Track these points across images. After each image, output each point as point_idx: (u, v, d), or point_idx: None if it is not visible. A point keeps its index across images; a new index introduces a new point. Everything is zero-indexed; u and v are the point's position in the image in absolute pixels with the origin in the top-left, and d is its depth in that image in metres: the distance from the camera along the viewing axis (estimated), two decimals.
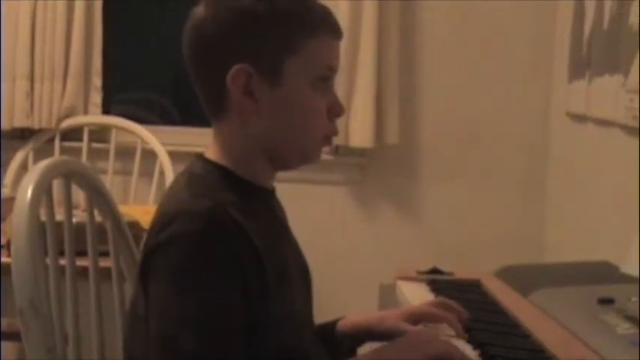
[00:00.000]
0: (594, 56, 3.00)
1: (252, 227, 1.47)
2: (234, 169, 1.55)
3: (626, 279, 1.88)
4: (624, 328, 1.72)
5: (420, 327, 1.76)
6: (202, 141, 1.69)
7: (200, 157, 1.58)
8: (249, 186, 1.56)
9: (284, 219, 1.66)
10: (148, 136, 3.53)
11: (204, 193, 1.49)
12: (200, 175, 1.54)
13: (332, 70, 1.57)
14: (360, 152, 3.66)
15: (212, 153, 1.58)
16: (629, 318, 1.76)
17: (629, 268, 1.82)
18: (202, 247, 1.43)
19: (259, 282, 1.46)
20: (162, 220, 1.46)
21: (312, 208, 3.66)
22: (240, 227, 1.45)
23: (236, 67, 1.50)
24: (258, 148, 1.55)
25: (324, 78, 1.56)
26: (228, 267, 1.43)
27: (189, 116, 3.90)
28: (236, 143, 1.56)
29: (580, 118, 3.20)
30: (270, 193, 1.63)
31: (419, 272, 2.31)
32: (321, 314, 1.80)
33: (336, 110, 1.58)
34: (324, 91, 1.56)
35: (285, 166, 1.60)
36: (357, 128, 3.55)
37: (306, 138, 1.56)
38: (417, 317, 1.77)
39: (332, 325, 1.79)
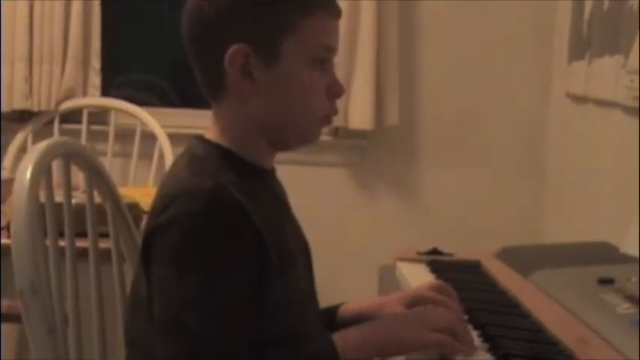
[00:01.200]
0: (594, 37, 3.00)
1: (253, 207, 1.47)
2: (234, 149, 1.55)
3: (626, 259, 1.88)
4: (624, 307, 1.72)
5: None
6: (202, 123, 1.69)
7: (200, 138, 1.58)
8: (249, 166, 1.56)
9: (284, 198, 1.66)
10: (147, 118, 3.53)
11: (205, 173, 1.48)
12: (200, 155, 1.54)
13: (330, 50, 1.57)
14: (360, 134, 3.65)
15: (212, 134, 1.57)
16: (628, 298, 1.77)
17: (629, 249, 1.82)
18: (204, 226, 1.43)
19: (261, 261, 1.46)
20: (163, 201, 1.46)
21: (311, 189, 3.66)
22: (241, 207, 1.45)
23: (234, 47, 1.50)
24: (257, 128, 1.55)
25: (323, 58, 1.55)
26: (229, 246, 1.43)
27: (188, 98, 3.89)
28: (235, 124, 1.55)
29: (580, 99, 3.20)
30: (271, 173, 1.63)
31: (419, 253, 2.31)
32: (322, 296, 1.80)
33: (335, 90, 1.58)
34: (323, 71, 1.55)
35: (285, 146, 1.59)
36: (357, 110, 3.54)
37: (304, 118, 1.56)
38: (417, 301, 1.76)
39: (332, 311, 1.79)
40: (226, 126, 1.56)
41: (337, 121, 3.52)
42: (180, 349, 1.40)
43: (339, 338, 1.52)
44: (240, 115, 1.55)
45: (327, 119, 1.59)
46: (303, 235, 1.67)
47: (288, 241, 1.55)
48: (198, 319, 1.40)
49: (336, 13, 1.58)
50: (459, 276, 2.11)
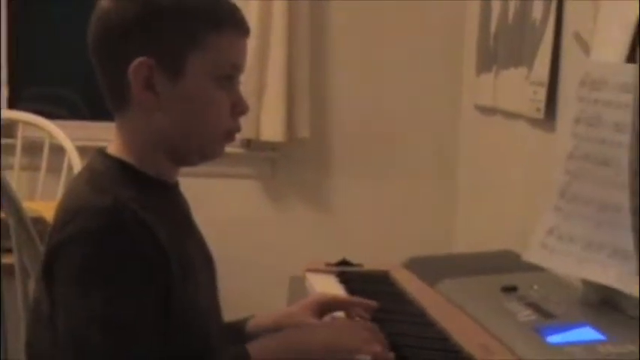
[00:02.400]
0: (500, 50, 3.05)
1: (155, 222, 1.46)
2: (135, 164, 1.54)
3: (529, 267, 1.92)
4: (525, 314, 1.75)
5: (328, 320, 1.78)
6: (112, 136, 1.67)
7: (101, 152, 1.57)
8: (151, 181, 1.54)
9: (188, 213, 1.65)
10: (56, 130, 3.48)
11: (105, 189, 1.47)
12: (101, 170, 1.53)
13: (237, 68, 1.56)
14: (272, 146, 3.65)
15: (114, 148, 1.56)
16: (530, 305, 1.80)
17: (530, 257, 1.86)
18: (105, 244, 1.41)
19: (164, 276, 1.45)
20: (64, 218, 1.45)
21: (223, 202, 3.65)
22: (143, 222, 1.44)
23: (138, 60, 1.49)
24: (159, 142, 1.54)
25: (229, 75, 1.55)
26: (132, 262, 1.42)
27: (99, 111, 3.85)
28: (138, 138, 1.54)
29: (488, 111, 3.25)
30: (174, 187, 1.62)
31: (328, 264, 2.32)
32: (232, 308, 1.80)
33: (239, 108, 1.57)
34: (229, 88, 1.55)
35: (186, 161, 1.59)
36: (268, 122, 3.54)
37: (206, 134, 1.55)
38: (325, 307, 1.78)
39: (241, 324, 1.79)
40: (128, 139, 1.55)
41: (249, 133, 3.52)
42: None
43: (251, 347, 1.51)
44: (143, 128, 1.53)
45: (230, 136, 1.58)
46: (207, 249, 1.66)
47: (191, 255, 1.55)
48: (105, 336, 1.38)
49: (245, 31, 1.58)
50: (367, 286, 2.13)
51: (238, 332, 1.76)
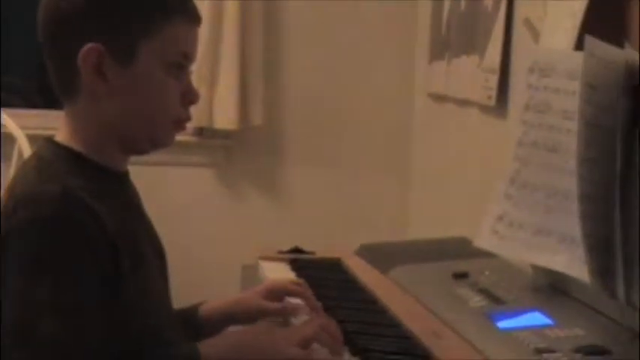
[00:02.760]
0: (452, 37, 3.06)
1: (104, 211, 1.45)
2: (84, 152, 1.53)
3: (481, 254, 1.93)
4: (476, 300, 1.77)
5: (279, 304, 1.77)
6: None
7: (49, 140, 1.55)
8: (100, 169, 1.53)
9: (138, 202, 1.64)
10: (6, 119, 3.44)
11: (54, 177, 1.46)
12: (49, 158, 1.51)
13: (187, 56, 1.56)
14: (225, 134, 3.64)
15: (62, 136, 1.55)
16: (481, 291, 1.81)
17: (481, 243, 1.87)
18: (53, 232, 1.40)
19: (113, 265, 1.45)
20: (11, 207, 1.44)
21: (176, 190, 3.64)
22: (92, 211, 1.43)
23: (88, 46, 1.48)
24: (108, 130, 1.53)
25: (179, 64, 1.54)
26: (80, 251, 1.41)
27: (53, 100, 3.81)
28: (86, 125, 1.53)
29: (441, 98, 3.26)
30: (124, 176, 1.61)
31: (280, 252, 2.32)
32: (186, 298, 1.80)
33: (190, 97, 1.57)
34: (179, 76, 1.55)
35: (136, 150, 1.58)
36: (222, 110, 3.53)
37: (156, 122, 1.54)
38: (275, 293, 1.78)
39: (192, 310, 1.78)
40: (78, 127, 1.54)
41: (202, 121, 3.51)
42: (37, 355, 1.37)
43: (203, 345, 1.51)
44: (92, 116, 1.52)
45: (180, 125, 1.58)
46: (158, 238, 1.65)
47: (141, 244, 1.54)
48: (54, 324, 1.37)
49: (196, 19, 1.57)
50: (319, 274, 2.13)
51: (190, 319, 1.76)
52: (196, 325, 1.76)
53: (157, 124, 1.55)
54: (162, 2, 1.52)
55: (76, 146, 1.53)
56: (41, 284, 1.38)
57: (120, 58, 1.50)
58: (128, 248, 1.47)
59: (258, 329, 1.66)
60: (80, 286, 1.40)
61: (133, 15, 1.50)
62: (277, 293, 1.79)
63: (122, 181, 1.60)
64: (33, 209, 1.41)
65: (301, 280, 1.94)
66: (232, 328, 1.77)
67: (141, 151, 1.58)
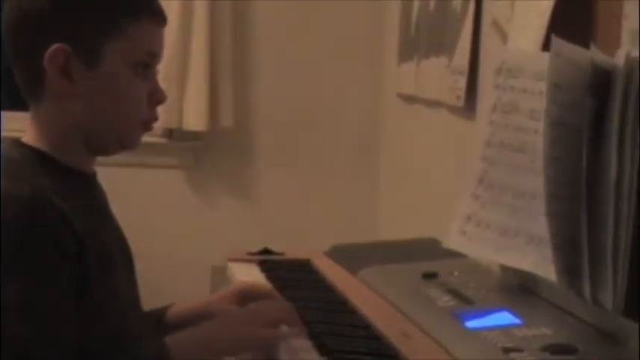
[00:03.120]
0: (422, 38, 3.07)
1: (72, 212, 1.45)
2: (51, 153, 1.52)
3: (450, 254, 1.93)
4: (444, 300, 1.77)
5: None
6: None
7: (16, 141, 1.55)
8: (67, 171, 1.53)
9: (105, 204, 1.64)
10: None
11: (21, 177, 1.45)
12: (16, 159, 1.51)
13: (154, 56, 1.56)
14: (194, 136, 3.64)
15: (29, 137, 1.54)
16: (450, 291, 1.82)
17: (450, 243, 1.87)
18: (21, 234, 1.40)
19: (81, 267, 1.44)
20: None
21: (145, 192, 3.63)
22: (60, 213, 1.43)
23: (54, 46, 1.47)
24: (75, 131, 1.53)
25: (146, 64, 1.54)
26: (49, 253, 1.41)
27: (20, 101, 3.78)
28: (53, 126, 1.53)
29: (410, 99, 3.27)
30: (91, 177, 1.60)
31: (249, 253, 2.32)
32: (155, 300, 1.79)
33: (157, 97, 1.57)
34: (146, 77, 1.54)
35: (103, 150, 1.57)
36: (191, 111, 3.53)
37: (123, 123, 1.54)
38: (243, 295, 1.78)
39: (160, 312, 1.78)
40: (44, 129, 1.53)
41: (171, 122, 3.50)
42: (3, 356, 1.37)
43: (170, 341, 1.51)
44: (59, 117, 1.52)
45: (146, 126, 1.58)
46: (125, 239, 1.65)
47: (108, 246, 1.53)
48: (22, 325, 1.37)
49: (162, 20, 1.57)
50: (288, 275, 2.13)
51: (157, 321, 1.75)
52: (164, 327, 1.75)
53: (123, 125, 1.54)
54: (127, 2, 1.52)
55: (42, 147, 1.52)
56: (9, 285, 1.38)
57: (86, 59, 1.49)
58: (96, 249, 1.47)
59: (223, 318, 1.65)
60: (48, 287, 1.40)
61: (98, 15, 1.50)
62: (246, 296, 1.79)
63: (90, 182, 1.59)
64: (1, 210, 1.40)
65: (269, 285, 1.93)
66: None
67: (108, 152, 1.57)
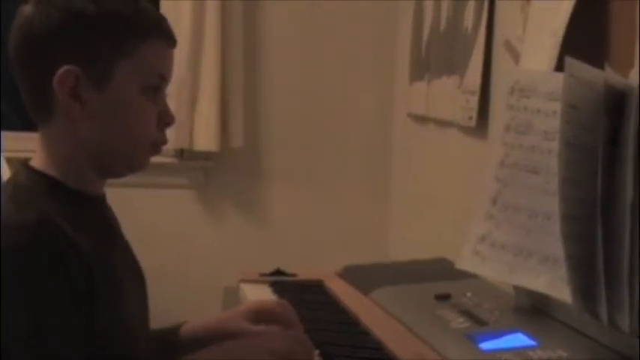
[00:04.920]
0: (432, 58, 3.07)
1: (81, 238, 1.43)
2: (60, 177, 1.51)
3: (462, 275, 1.93)
4: (458, 322, 1.76)
5: (262, 327, 1.76)
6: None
7: (25, 165, 1.53)
8: (77, 195, 1.52)
9: (115, 226, 1.62)
10: None
11: (30, 204, 1.44)
12: (24, 185, 1.50)
13: (164, 78, 1.55)
14: (205, 156, 3.64)
15: (38, 161, 1.53)
16: (463, 312, 1.81)
17: (463, 264, 1.87)
18: (31, 260, 1.38)
19: (89, 293, 1.42)
20: None
21: (156, 212, 3.62)
22: (69, 239, 1.41)
23: (64, 68, 1.46)
24: (84, 153, 1.51)
25: (156, 86, 1.53)
26: (58, 279, 1.39)
27: (30, 121, 3.79)
28: (62, 149, 1.51)
29: (421, 119, 3.26)
30: (100, 200, 1.59)
31: (262, 274, 2.31)
32: (166, 321, 1.78)
33: (166, 119, 1.56)
34: (155, 99, 1.53)
35: (112, 173, 1.56)
36: (202, 131, 3.53)
37: (132, 145, 1.53)
38: (258, 316, 1.76)
39: (173, 330, 1.77)
40: (53, 151, 1.52)
41: (182, 142, 3.50)
42: None
43: None
44: (68, 139, 1.50)
45: (156, 148, 1.56)
46: (136, 261, 1.64)
47: (117, 269, 1.52)
48: (31, 352, 1.35)
49: (172, 41, 1.56)
50: (301, 296, 2.12)
51: (170, 340, 1.74)
52: (176, 344, 1.74)
53: (133, 147, 1.53)
54: (138, 24, 1.51)
55: (51, 171, 1.51)
56: (18, 313, 1.36)
57: (96, 81, 1.48)
58: (104, 275, 1.45)
59: (234, 346, 1.63)
60: (56, 314, 1.38)
61: (108, 36, 1.48)
62: (261, 316, 1.77)
63: (99, 205, 1.58)
64: (10, 237, 1.38)
65: (284, 301, 1.90)
66: None
67: (117, 174, 1.56)
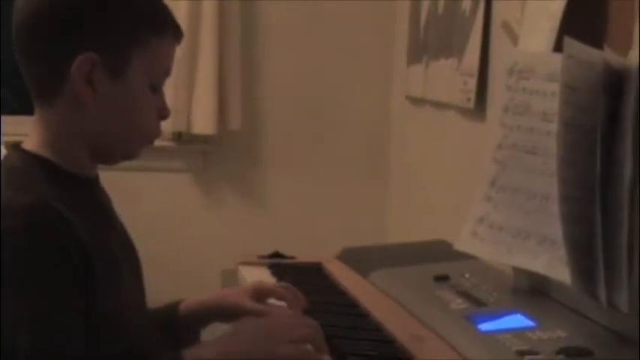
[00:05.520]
0: (430, 40, 3.07)
1: (77, 220, 1.43)
2: (54, 159, 1.51)
3: (461, 256, 1.93)
4: (457, 303, 1.76)
5: (266, 307, 1.74)
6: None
7: (17, 148, 1.53)
8: (71, 177, 1.52)
9: (109, 207, 1.63)
10: None
11: (26, 187, 1.44)
12: (19, 168, 1.49)
13: (168, 73, 1.57)
14: (203, 139, 3.63)
15: (32, 143, 1.52)
16: (462, 293, 1.81)
17: (461, 246, 1.87)
18: (28, 243, 1.38)
19: (87, 275, 1.43)
20: None
21: (154, 196, 3.63)
22: (65, 220, 1.41)
23: (85, 54, 1.46)
24: (82, 139, 1.51)
25: (161, 80, 1.55)
26: (56, 261, 1.39)
27: (31, 105, 3.77)
28: (60, 132, 1.51)
29: (419, 102, 3.26)
30: (94, 181, 1.59)
31: (260, 257, 2.31)
32: (164, 302, 1.79)
33: (163, 113, 1.57)
34: (156, 92, 1.55)
35: (107, 160, 1.57)
36: (199, 115, 3.53)
37: (132, 136, 1.54)
38: (259, 293, 1.76)
39: (172, 307, 1.77)
40: (49, 133, 1.51)
41: (179, 126, 3.50)
42: None
43: (188, 355, 1.48)
44: (70, 122, 1.50)
45: (151, 140, 1.58)
46: (132, 243, 1.64)
47: (114, 251, 1.52)
48: (33, 338, 1.35)
49: (180, 36, 1.57)
50: (299, 278, 2.12)
51: (169, 317, 1.75)
52: (175, 322, 1.74)
53: (133, 138, 1.55)
54: (155, 17, 1.52)
55: (44, 153, 1.51)
56: (18, 296, 1.36)
57: (111, 71, 1.48)
58: (101, 256, 1.45)
59: (243, 332, 1.61)
60: (56, 296, 1.38)
61: (129, 27, 1.49)
62: (263, 294, 1.77)
63: (93, 186, 1.59)
64: (6, 220, 1.38)
65: (288, 284, 1.89)
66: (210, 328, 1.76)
67: (110, 162, 1.57)
